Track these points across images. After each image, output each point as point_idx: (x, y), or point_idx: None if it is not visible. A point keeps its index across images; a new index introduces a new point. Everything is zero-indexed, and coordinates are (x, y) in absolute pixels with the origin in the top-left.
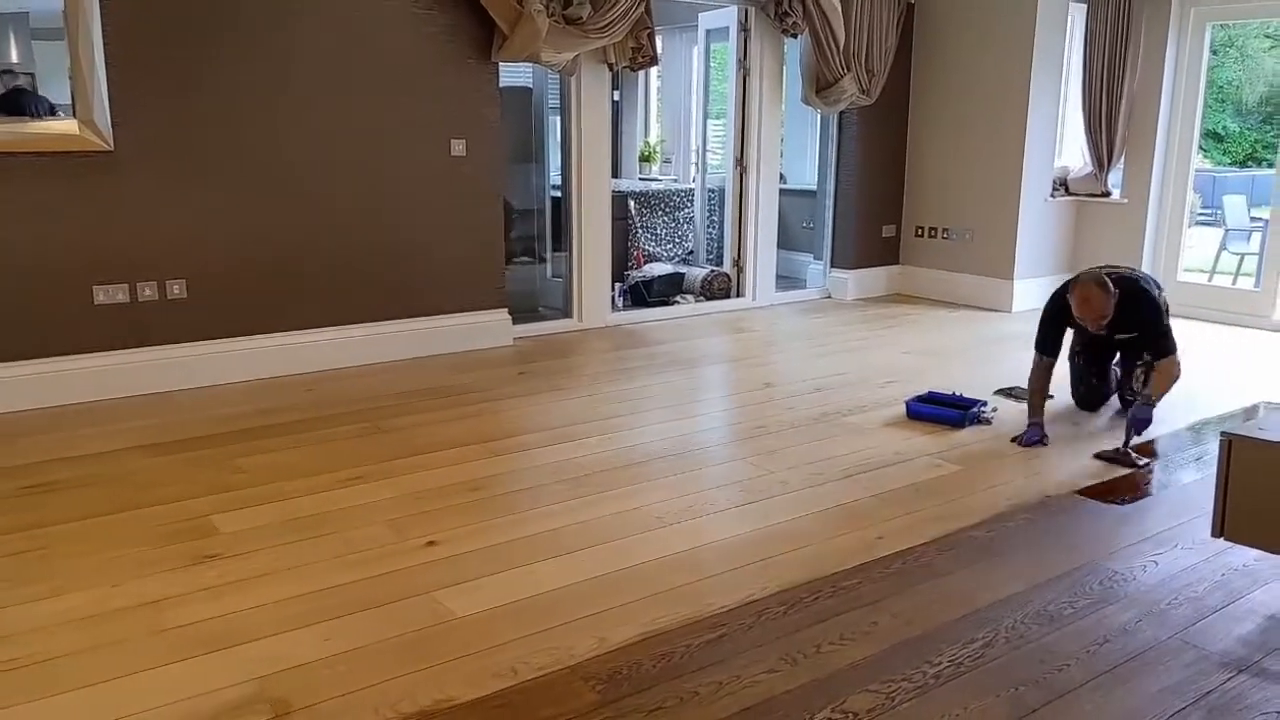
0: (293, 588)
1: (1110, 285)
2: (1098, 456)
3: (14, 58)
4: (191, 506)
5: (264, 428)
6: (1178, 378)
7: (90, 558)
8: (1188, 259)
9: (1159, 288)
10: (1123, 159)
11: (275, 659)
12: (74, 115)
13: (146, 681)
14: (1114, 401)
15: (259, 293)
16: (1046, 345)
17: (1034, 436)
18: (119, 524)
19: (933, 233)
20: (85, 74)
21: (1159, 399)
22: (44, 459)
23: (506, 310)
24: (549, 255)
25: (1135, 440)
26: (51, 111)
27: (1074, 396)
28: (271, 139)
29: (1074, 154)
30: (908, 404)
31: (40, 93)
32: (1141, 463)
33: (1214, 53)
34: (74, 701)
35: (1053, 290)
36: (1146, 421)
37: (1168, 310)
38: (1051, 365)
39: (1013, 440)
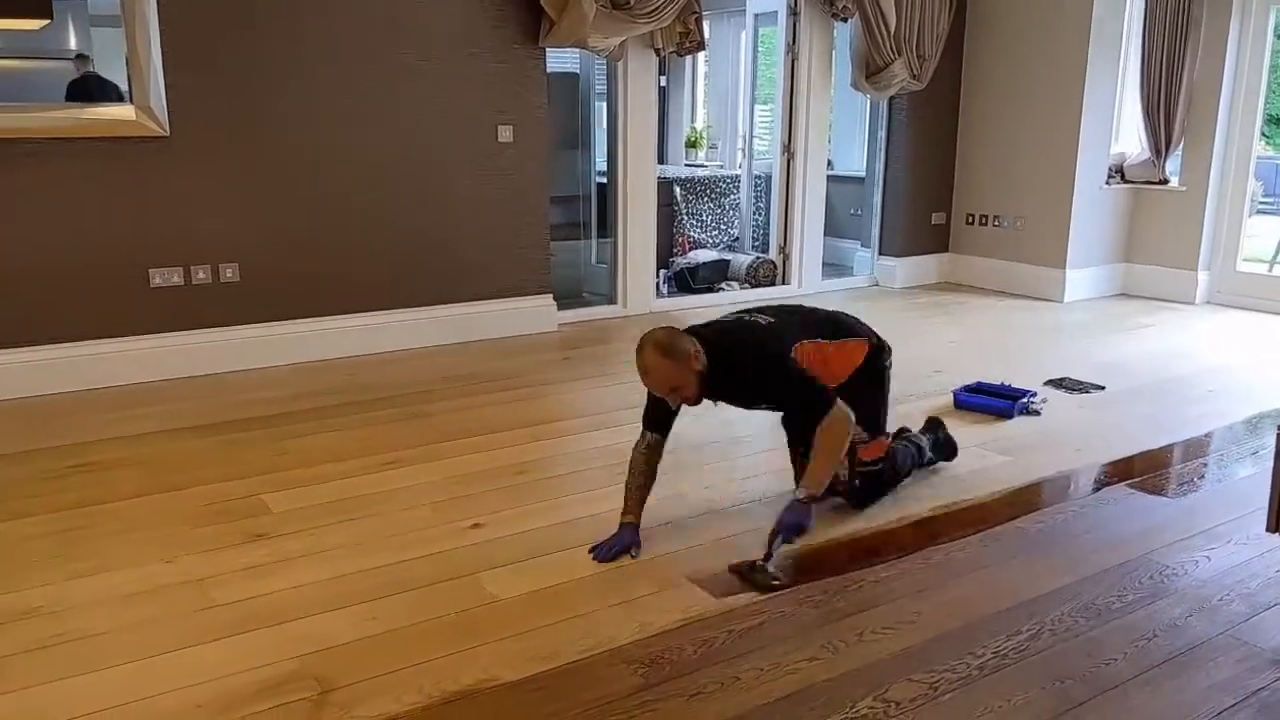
0: (338, 568)
1: (680, 347)
2: (732, 569)
3: (73, 44)
4: (239, 487)
5: (311, 410)
6: (848, 437)
7: (138, 535)
8: (1248, 248)
9: (827, 327)
10: (1182, 145)
11: (319, 637)
12: (131, 101)
13: (191, 658)
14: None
15: (307, 277)
16: (648, 417)
17: (619, 544)
18: (168, 503)
19: (983, 220)
20: (142, 61)
21: (819, 488)
22: (96, 438)
23: (551, 296)
24: (594, 242)
25: (781, 548)
26: (120, 98)
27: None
28: (320, 125)
29: (1131, 140)
30: (955, 394)
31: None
32: (775, 582)
33: (1278, 36)
34: (120, 676)
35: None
36: (798, 528)
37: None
38: (656, 444)
39: (591, 551)
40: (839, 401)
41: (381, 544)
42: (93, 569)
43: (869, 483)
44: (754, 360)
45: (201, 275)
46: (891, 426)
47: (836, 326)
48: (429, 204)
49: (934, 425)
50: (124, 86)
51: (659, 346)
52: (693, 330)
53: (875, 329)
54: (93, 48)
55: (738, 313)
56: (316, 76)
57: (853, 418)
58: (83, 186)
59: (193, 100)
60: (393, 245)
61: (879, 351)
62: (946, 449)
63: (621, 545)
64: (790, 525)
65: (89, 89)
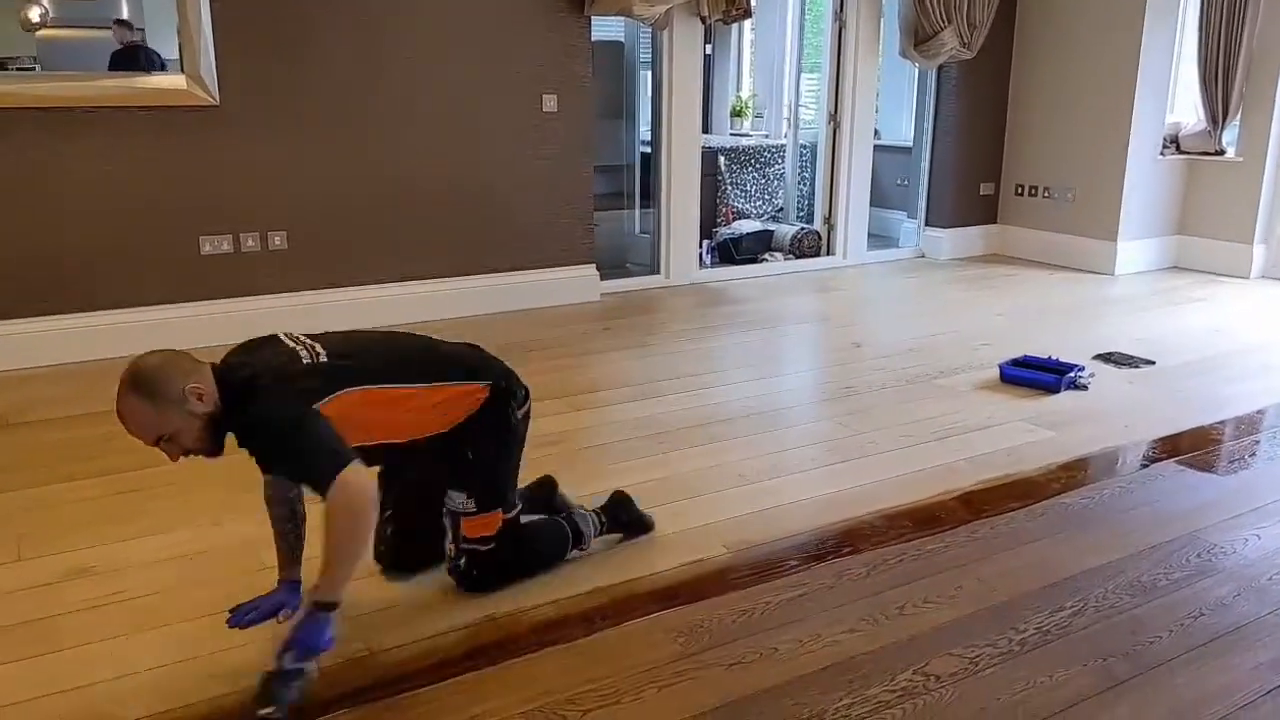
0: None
1: (165, 382)
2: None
3: (124, 13)
4: None
5: None
6: (353, 521)
7: (190, 497)
8: None
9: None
10: (1239, 115)
11: (370, 602)
12: (181, 70)
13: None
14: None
15: (352, 246)
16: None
17: (266, 607)
18: (218, 466)
19: (1033, 191)
20: (192, 30)
21: (333, 592)
22: None
23: (594, 266)
24: (637, 212)
25: (297, 673)
26: (163, 67)
27: None
28: (367, 95)
29: (1187, 110)
30: (1002, 367)
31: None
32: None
33: None
34: (177, 634)
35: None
36: (309, 648)
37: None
38: (275, 482)
39: (229, 614)
40: (346, 472)
41: None
42: (145, 530)
43: (483, 564)
44: (253, 413)
45: (251, 243)
46: (944, 397)
47: (438, 367)
48: (474, 173)
49: (617, 503)
50: (172, 55)
51: (135, 381)
52: (224, 358)
53: (513, 370)
54: (144, 18)
55: (289, 338)
56: (364, 45)
57: (367, 493)
58: (134, 155)
59: (242, 70)
60: (438, 214)
61: (504, 398)
62: (636, 527)
63: (269, 608)
64: (300, 643)
65: (136, 58)
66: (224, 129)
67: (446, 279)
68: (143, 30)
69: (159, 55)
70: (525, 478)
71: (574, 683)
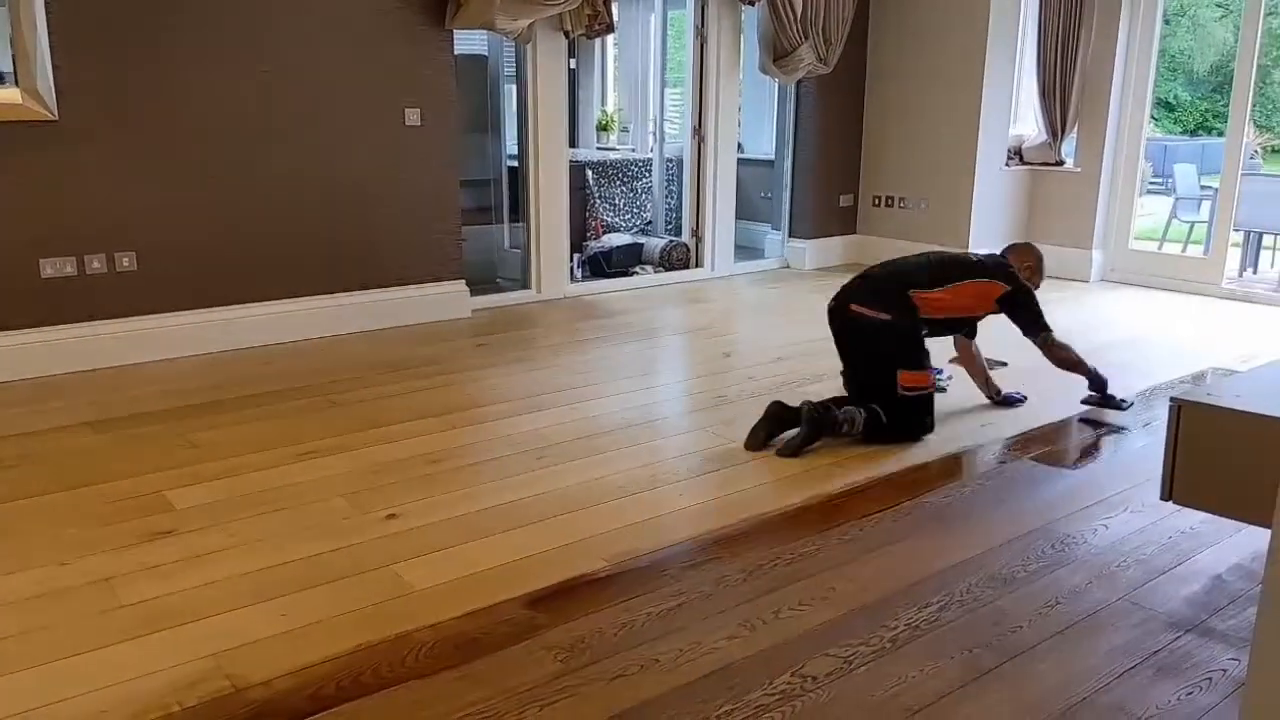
0: (249, 563)
1: None
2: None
3: None
4: (143, 483)
5: (217, 402)
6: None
7: (37, 537)
8: (1139, 227)
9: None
10: (1076, 128)
11: (231, 635)
12: (16, 84)
13: (97, 661)
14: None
15: (210, 265)
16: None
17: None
18: (67, 502)
19: (889, 202)
20: (27, 41)
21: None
22: None
23: (464, 281)
24: (506, 226)
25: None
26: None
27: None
28: (220, 109)
29: (1028, 123)
30: None
31: None
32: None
33: (1166, 22)
34: (22, 682)
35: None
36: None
37: None
38: None
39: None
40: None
41: (294, 537)
42: None
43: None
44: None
45: (96, 265)
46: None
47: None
48: (335, 189)
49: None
50: (5, 68)
51: None
52: None
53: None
54: None
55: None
56: (216, 58)
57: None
58: None
59: (84, 83)
60: (299, 231)
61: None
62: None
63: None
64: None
65: None
66: (64, 145)
67: (309, 297)
68: None
69: None
70: (398, 497)
71: (454, 708)
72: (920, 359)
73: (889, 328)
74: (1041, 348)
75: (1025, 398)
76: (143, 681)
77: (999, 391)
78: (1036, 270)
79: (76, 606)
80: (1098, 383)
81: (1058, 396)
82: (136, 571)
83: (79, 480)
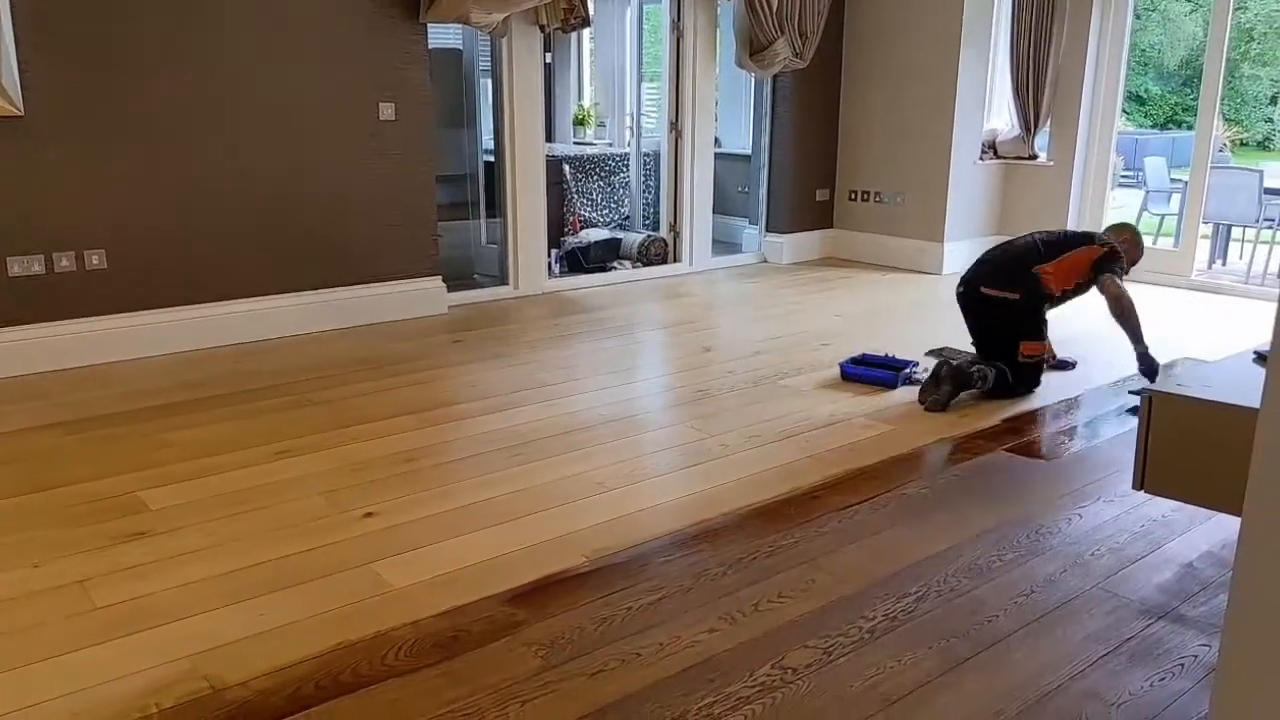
0: (226, 563)
1: None
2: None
3: None
4: (117, 483)
5: (192, 401)
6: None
7: (8, 539)
8: (1111, 220)
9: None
10: (1049, 122)
11: (209, 636)
12: None
13: (72, 664)
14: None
15: (183, 263)
16: None
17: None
18: (38, 503)
19: (865, 196)
20: None
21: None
22: None
23: (440, 278)
24: (483, 222)
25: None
26: None
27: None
28: (191, 103)
29: (1002, 117)
30: (842, 366)
31: None
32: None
33: (1137, 17)
34: None
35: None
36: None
37: None
38: None
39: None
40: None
41: (270, 536)
42: None
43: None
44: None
45: (65, 263)
46: (790, 396)
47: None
48: (309, 184)
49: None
50: None
51: None
52: None
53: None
54: None
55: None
56: (186, 52)
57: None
58: None
59: (51, 78)
60: (273, 227)
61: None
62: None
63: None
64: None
65: None
66: (31, 141)
67: (283, 295)
68: None
69: None
70: (375, 495)
71: (435, 705)
72: (1041, 330)
73: (1016, 305)
74: (1108, 285)
75: (1076, 363)
76: (119, 684)
77: (1054, 355)
78: (1134, 244)
79: (50, 609)
80: (1145, 359)
81: (1059, 385)
82: (111, 573)
83: (51, 481)
